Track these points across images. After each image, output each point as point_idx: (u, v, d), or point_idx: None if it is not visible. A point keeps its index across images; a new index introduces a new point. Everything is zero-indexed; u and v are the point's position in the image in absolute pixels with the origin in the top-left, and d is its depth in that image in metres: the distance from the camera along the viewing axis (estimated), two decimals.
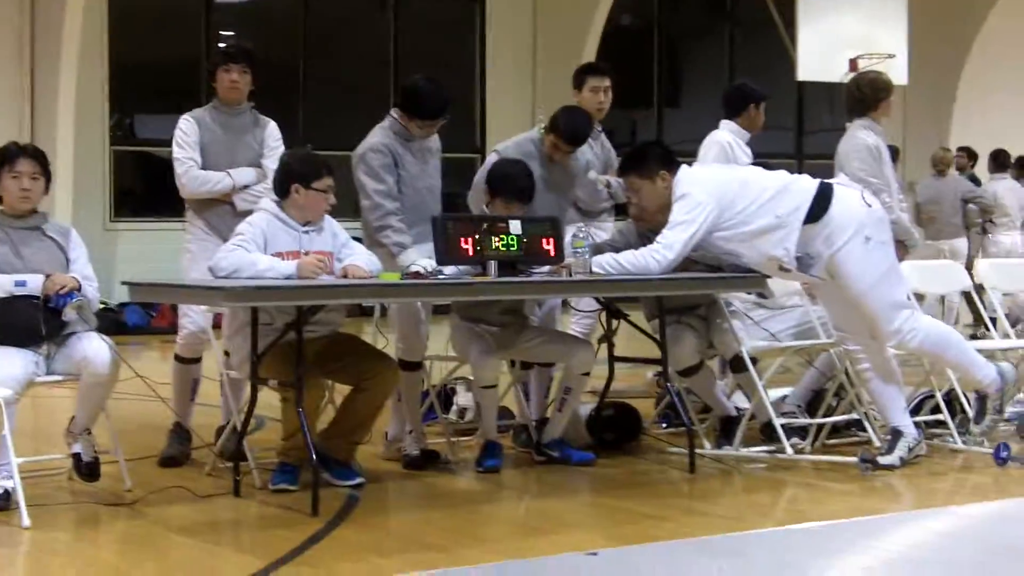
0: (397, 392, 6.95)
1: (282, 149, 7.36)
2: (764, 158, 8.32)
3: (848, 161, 7.98)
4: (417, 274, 6.48)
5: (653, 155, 7.10)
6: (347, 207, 7.10)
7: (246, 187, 7.21)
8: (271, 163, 7.19)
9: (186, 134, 7.20)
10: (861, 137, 8.03)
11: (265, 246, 6.38)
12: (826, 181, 7.03)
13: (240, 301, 6.10)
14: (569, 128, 7.37)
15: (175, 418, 7.23)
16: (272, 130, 7.42)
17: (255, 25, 19.01)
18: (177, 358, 7.28)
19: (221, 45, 7.34)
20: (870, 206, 6.94)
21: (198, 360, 7.30)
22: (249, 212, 7.04)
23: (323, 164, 6.60)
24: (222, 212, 7.21)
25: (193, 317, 7.19)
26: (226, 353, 6.90)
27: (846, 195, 6.93)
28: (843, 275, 6.85)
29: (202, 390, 7.42)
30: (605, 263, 6.78)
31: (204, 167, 7.18)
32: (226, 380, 6.86)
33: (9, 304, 6.15)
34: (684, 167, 7.11)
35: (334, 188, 6.57)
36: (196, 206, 7.30)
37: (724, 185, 6.95)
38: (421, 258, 6.72)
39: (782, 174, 7.06)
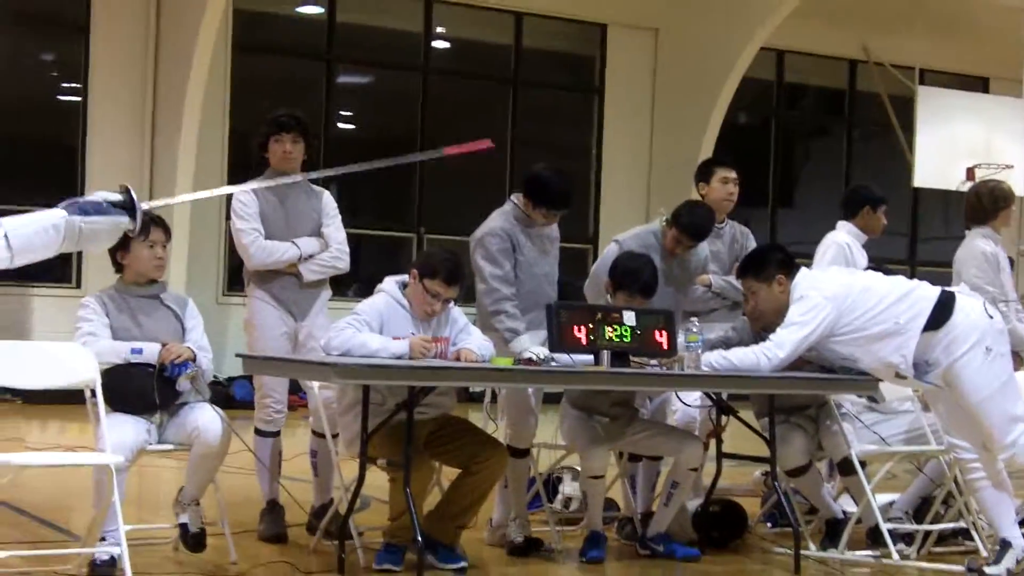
0: (504, 478, 6.94)
1: (340, 218, 7.38)
2: (878, 263, 8.27)
3: (966, 268, 7.93)
4: (529, 360, 6.51)
5: (772, 259, 7.11)
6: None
7: (311, 257, 7.22)
8: (332, 231, 7.25)
9: (246, 205, 7.14)
10: (979, 245, 7.97)
11: (381, 329, 6.43)
12: (947, 289, 6.99)
13: (353, 379, 6.16)
14: (692, 222, 7.40)
15: (269, 494, 7.21)
16: (328, 199, 7.40)
17: (374, 105, 19.30)
18: (259, 432, 7.24)
19: (278, 116, 7.22)
20: (991, 316, 6.88)
21: (279, 434, 7.29)
22: (316, 283, 7.12)
23: (447, 269, 6.55)
24: (287, 283, 7.19)
25: (276, 395, 7.19)
26: (327, 435, 6.92)
27: (968, 304, 6.88)
28: (961, 385, 6.78)
29: (286, 466, 7.44)
30: (714, 360, 6.78)
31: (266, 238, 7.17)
32: (332, 459, 6.90)
33: (125, 371, 6.23)
34: (804, 269, 7.10)
35: (448, 302, 6.57)
36: (259, 278, 7.22)
37: (844, 289, 6.93)
38: (534, 345, 6.74)
39: (902, 280, 7.03)
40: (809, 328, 6.80)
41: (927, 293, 6.89)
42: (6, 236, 3.95)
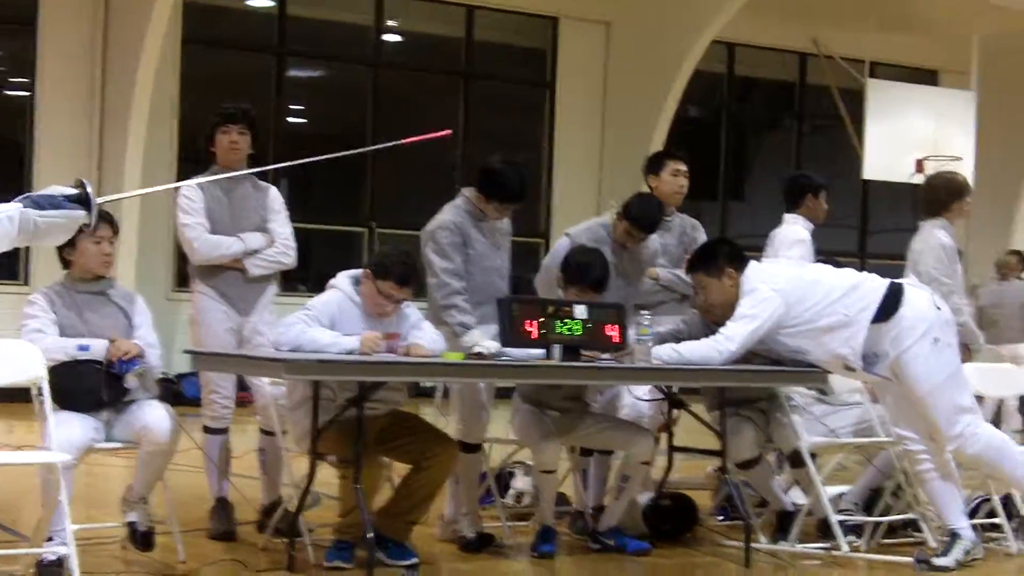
0: (455, 473, 6.93)
1: (286, 213, 7.34)
2: (828, 255, 8.30)
3: (923, 260, 7.94)
4: (480, 355, 6.50)
5: (721, 252, 7.13)
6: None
7: (256, 251, 7.17)
8: (278, 226, 7.21)
9: (192, 200, 7.07)
10: (937, 236, 7.99)
11: (333, 325, 6.40)
12: (896, 281, 7.02)
13: (303, 374, 6.13)
14: (642, 214, 7.41)
15: (218, 492, 7.17)
16: (275, 194, 7.36)
17: (325, 99, 19.22)
18: (207, 429, 7.18)
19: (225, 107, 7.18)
20: (939, 308, 6.93)
21: (227, 431, 7.24)
22: (262, 278, 7.07)
23: (399, 271, 6.51)
24: (233, 279, 7.14)
25: (224, 392, 7.15)
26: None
27: (916, 296, 6.92)
28: (909, 376, 6.82)
29: (235, 463, 7.39)
30: (664, 354, 6.78)
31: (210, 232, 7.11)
32: (282, 456, 6.87)
33: (72, 368, 6.15)
34: (753, 263, 7.12)
35: (402, 301, 6.54)
36: (204, 273, 7.17)
37: (793, 281, 6.95)
38: (485, 339, 6.73)
39: (851, 272, 7.07)
40: (759, 321, 6.82)
41: (876, 285, 6.92)
42: None
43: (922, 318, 6.84)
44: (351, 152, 5.46)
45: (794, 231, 8.31)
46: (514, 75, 19.95)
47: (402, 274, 6.49)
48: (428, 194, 7.03)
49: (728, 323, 6.86)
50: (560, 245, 7.54)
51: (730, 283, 6.98)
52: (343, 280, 6.63)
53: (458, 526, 7.13)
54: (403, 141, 5.58)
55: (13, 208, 4.11)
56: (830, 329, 6.83)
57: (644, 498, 7.52)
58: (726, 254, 7.12)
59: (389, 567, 6.33)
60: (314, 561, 6.43)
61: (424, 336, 6.57)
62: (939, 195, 8.13)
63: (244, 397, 7.35)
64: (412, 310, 6.69)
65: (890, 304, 6.83)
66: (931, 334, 6.82)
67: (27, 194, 4.23)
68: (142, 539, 6.30)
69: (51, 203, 4.18)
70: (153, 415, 6.14)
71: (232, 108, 7.23)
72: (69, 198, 4.22)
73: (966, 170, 17.29)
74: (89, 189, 4.27)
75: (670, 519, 7.54)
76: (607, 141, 19.02)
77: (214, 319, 7.12)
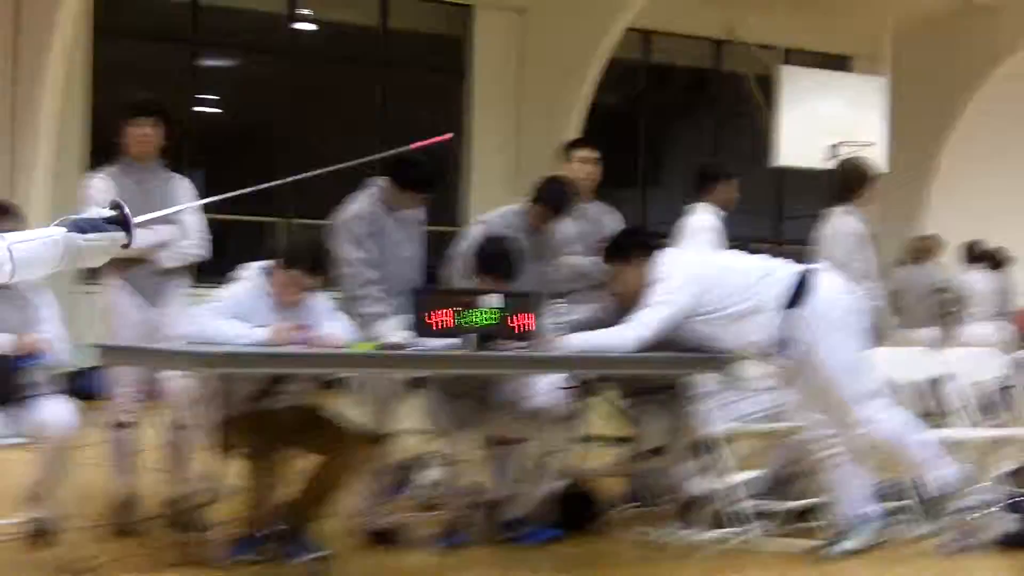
0: (365, 464, 6.89)
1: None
2: (742, 241, 8.35)
3: (832, 246, 7.99)
4: (393, 346, 6.47)
5: (634, 241, 7.15)
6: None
7: (168, 243, 7.07)
8: (190, 218, 7.14)
9: (102, 191, 6.93)
10: (846, 222, 8.04)
11: (243, 317, 6.35)
12: (808, 267, 7.07)
13: (211, 367, 6.06)
14: (551, 196, 7.43)
15: (124, 487, 7.10)
16: (187, 185, 7.29)
17: (240, 89, 19.08)
18: (114, 424, 7.10)
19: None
20: (850, 293, 6.99)
21: (134, 425, 7.17)
22: (174, 270, 7.02)
23: (310, 257, 6.51)
24: (144, 271, 7.06)
25: (131, 385, 7.07)
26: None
27: (829, 282, 6.98)
28: (819, 361, 6.87)
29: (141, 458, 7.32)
30: (579, 342, 6.79)
31: None
32: (189, 450, 6.82)
33: None
34: (667, 250, 7.15)
35: (313, 287, 6.50)
36: (115, 266, 7.03)
37: (705, 268, 7.00)
38: (398, 329, 6.71)
39: (763, 259, 7.11)
40: (671, 308, 6.84)
41: (788, 271, 6.96)
42: (10, 249, 3.86)
43: (834, 304, 6.89)
44: (357, 162, 5.42)
45: (702, 219, 8.35)
46: (430, 64, 19.89)
47: (313, 260, 6.46)
48: (346, 185, 6.99)
49: (641, 310, 6.88)
50: (473, 232, 7.53)
51: (643, 270, 7.00)
52: (253, 271, 6.59)
53: (369, 518, 7.10)
54: (407, 148, 5.56)
55: (58, 232, 4.07)
56: (743, 316, 6.86)
57: (555, 487, 7.53)
58: (639, 242, 7.15)
59: (298, 560, 6.29)
60: (221, 555, 6.37)
61: (336, 327, 6.54)
62: (848, 181, 8.20)
63: (153, 391, 7.27)
64: (324, 301, 6.65)
65: (803, 290, 6.88)
66: (843, 320, 6.87)
67: (65, 216, 4.19)
68: (47, 535, 6.23)
69: (93, 227, 4.16)
70: (52, 410, 6.09)
71: (143, 100, 7.18)
72: (108, 220, 4.21)
73: (879, 156, 17.50)
74: (126, 211, 4.26)
75: (581, 507, 7.55)
76: (523, 129, 19.01)
77: (126, 312, 7.06)
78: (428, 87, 19.62)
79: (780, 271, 6.98)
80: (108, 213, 4.24)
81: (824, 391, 6.95)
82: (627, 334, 6.81)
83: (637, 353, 6.81)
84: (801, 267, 7.04)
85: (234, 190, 5.05)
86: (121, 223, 4.23)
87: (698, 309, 6.88)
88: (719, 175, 8.49)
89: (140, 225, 4.29)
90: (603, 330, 6.92)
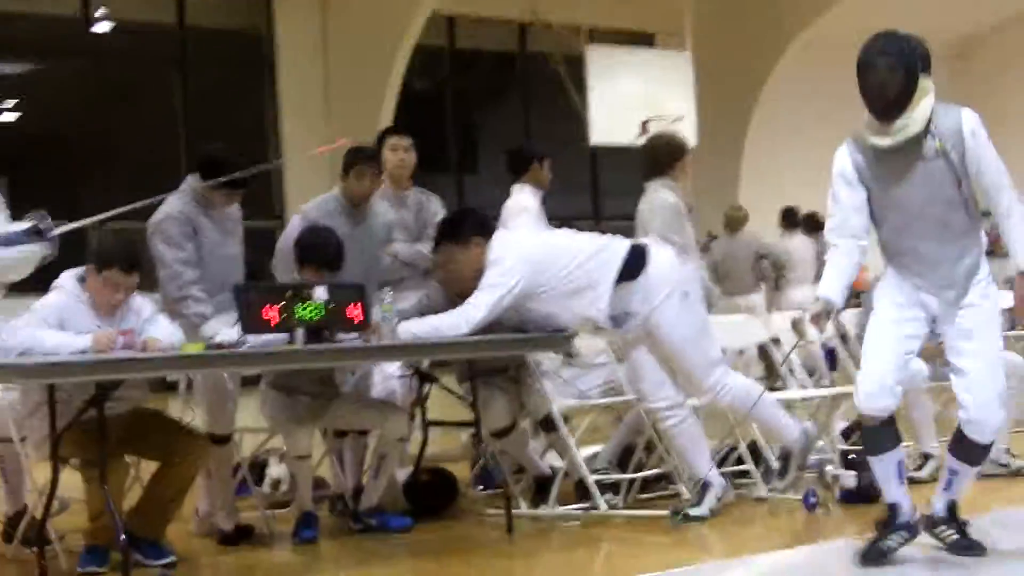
0: (207, 466, 6.76)
1: (7, 213, 7.09)
2: (563, 220, 8.37)
3: (651, 220, 8.03)
4: (220, 345, 6.33)
5: (469, 222, 7.10)
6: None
7: None
8: None
9: None
10: (662, 196, 8.09)
11: (62, 326, 6.14)
12: (639, 241, 7.11)
13: (35, 378, 5.87)
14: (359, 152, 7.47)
15: None
16: None
17: (38, 94, 18.59)
18: None
19: None
20: (683, 264, 7.05)
21: None
22: None
23: (123, 256, 6.31)
24: None
25: None
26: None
27: (660, 254, 7.02)
28: (660, 332, 6.91)
29: None
30: (413, 328, 6.73)
31: None
32: (22, 463, 6.61)
33: None
34: (499, 232, 7.13)
35: (131, 288, 6.33)
36: None
37: (537, 248, 6.99)
38: (224, 328, 6.57)
39: (595, 236, 7.13)
40: (504, 289, 6.83)
41: (619, 246, 7.00)
42: None
43: (669, 275, 6.94)
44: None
45: (520, 199, 8.37)
46: (233, 59, 19.61)
47: (126, 258, 6.28)
48: (155, 187, 6.85)
49: (475, 292, 6.85)
50: (293, 224, 7.44)
51: (478, 252, 6.96)
52: (67, 279, 6.36)
53: (215, 520, 6.96)
54: (315, 151, 5.41)
55: None
56: (576, 292, 6.87)
57: (402, 474, 7.50)
58: (474, 222, 7.10)
59: (146, 567, 6.15)
60: (67, 568, 6.21)
61: (160, 329, 6.36)
62: (660, 156, 8.24)
63: None
64: (145, 304, 6.47)
65: (635, 263, 6.91)
66: (679, 289, 6.93)
67: None
68: None
69: (7, 241, 3.92)
70: None
71: None
72: (27, 232, 3.98)
73: (688, 129, 17.74)
74: (43, 225, 4.03)
75: (430, 493, 7.53)
76: (334, 119, 18.84)
77: None
78: (232, 83, 19.36)
79: (612, 246, 7.01)
80: (25, 225, 4.05)
81: (669, 360, 6.99)
82: (460, 317, 6.78)
83: (472, 336, 6.77)
84: (631, 241, 7.07)
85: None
86: (40, 233, 4.04)
87: (533, 289, 6.87)
88: (532, 156, 8.53)
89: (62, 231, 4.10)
90: (436, 315, 6.87)
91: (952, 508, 5.75)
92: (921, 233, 5.59)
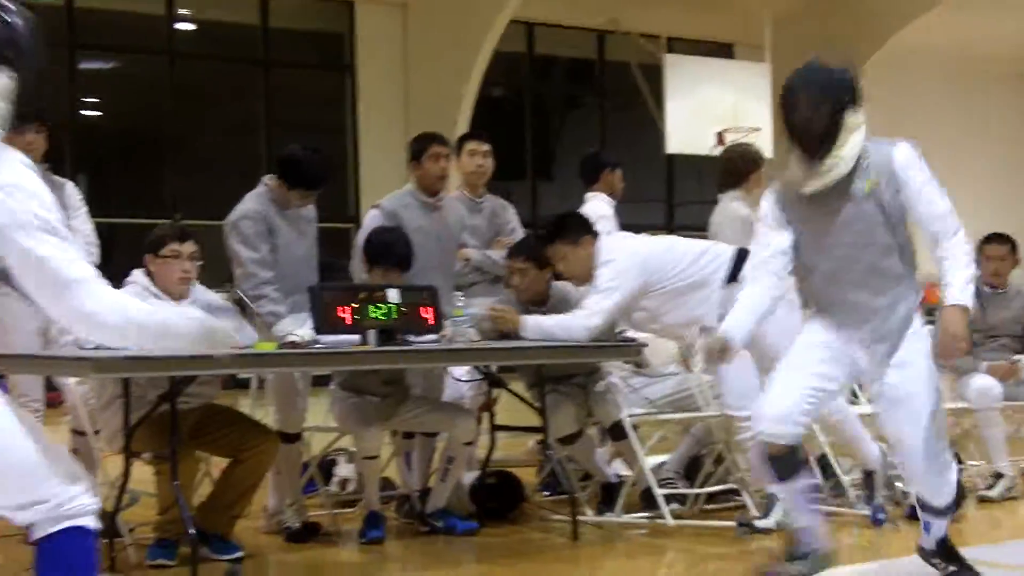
0: (276, 464, 6.81)
1: (86, 209, 7.21)
2: (636, 229, 8.37)
3: (722, 232, 8.03)
4: (293, 344, 6.38)
5: (574, 221, 7.15)
6: (220, 275, 6.97)
7: None
8: (79, 223, 7.05)
9: None
10: (734, 208, 8.09)
11: None
12: (744, 247, 7.08)
13: (110, 372, 5.92)
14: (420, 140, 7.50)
15: None
16: (72, 189, 7.20)
17: (121, 91, 18.81)
18: None
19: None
20: None
21: None
22: None
23: (172, 231, 6.43)
24: None
25: (33, 394, 6.96)
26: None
27: None
28: (768, 336, 6.67)
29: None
30: (532, 328, 6.82)
31: None
32: (95, 456, 6.69)
33: None
34: (605, 235, 7.15)
35: (192, 254, 6.42)
36: (6, 274, 6.95)
37: (648, 249, 7.03)
38: (297, 327, 6.62)
39: (697, 240, 7.22)
40: (621, 292, 6.87)
41: (723, 249, 7.05)
42: None
43: None
44: None
45: (596, 207, 8.39)
46: (313, 61, 19.74)
47: (175, 232, 6.39)
48: (233, 184, 6.90)
49: (589, 297, 6.88)
50: (370, 218, 7.47)
51: (588, 251, 6.98)
52: (139, 275, 6.45)
53: (283, 517, 7.02)
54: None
55: None
56: (689, 290, 6.91)
57: (469, 478, 7.51)
58: (580, 222, 7.16)
59: (214, 562, 6.20)
60: (136, 560, 6.29)
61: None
62: (735, 167, 8.25)
63: (53, 398, 7.13)
64: (215, 298, 6.53)
65: (740, 267, 6.87)
66: (785, 295, 6.86)
67: None
68: None
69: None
70: None
71: (25, 108, 6.99)
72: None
73: (765, 141, 17.64)
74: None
75: (496, 497, 7.54)
76: (411, 123, 18.88)
77: (20, 320, 6.90)
78: (313, 85, 19.49)
79: (716, 249, 7.06)
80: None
81: (771, 368, 6.91)
82: (579, 323, 6.83)
83: (538, 343, 6.80)
84: (737, 246, 7.05)
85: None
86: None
87: (647, 289, 6.89)
88: (604, 164, 8.56)
89: None
90: (553, 317, 6.95)
91: (943, 544, 5.53)
92: (852, 280, 5.23)
